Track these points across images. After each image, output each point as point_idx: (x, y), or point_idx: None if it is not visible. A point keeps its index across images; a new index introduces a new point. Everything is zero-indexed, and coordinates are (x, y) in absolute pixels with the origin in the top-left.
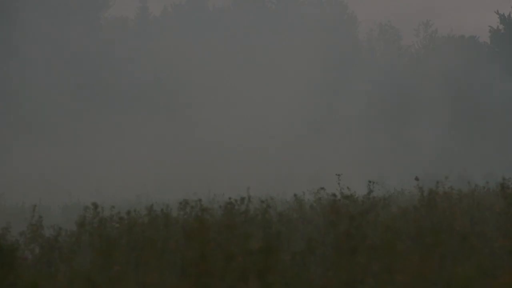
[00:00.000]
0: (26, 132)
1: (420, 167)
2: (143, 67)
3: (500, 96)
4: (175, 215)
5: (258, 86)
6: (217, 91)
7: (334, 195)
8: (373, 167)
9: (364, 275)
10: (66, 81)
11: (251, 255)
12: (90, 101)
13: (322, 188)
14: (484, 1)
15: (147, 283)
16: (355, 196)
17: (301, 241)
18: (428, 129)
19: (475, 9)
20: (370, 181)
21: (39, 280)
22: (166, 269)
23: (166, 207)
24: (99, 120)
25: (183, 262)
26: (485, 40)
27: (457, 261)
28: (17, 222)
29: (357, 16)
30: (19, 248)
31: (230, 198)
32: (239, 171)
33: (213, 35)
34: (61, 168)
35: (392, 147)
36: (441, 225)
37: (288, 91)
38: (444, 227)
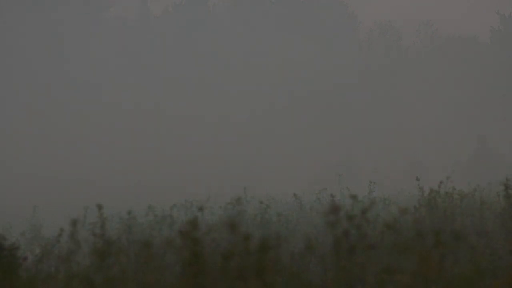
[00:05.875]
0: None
1: None
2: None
3: None
4: (176, 215)
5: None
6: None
7: (332, 195)
8: None
9: (364, 275)
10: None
11: (249, 254)
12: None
13: (324, 189)
14: (484, 1)
15: (145, 282)
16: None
17: (301, 241)
18: None
19: (475, 9)
20: (370, 181)
21: (39, 280)
22: (166, 269)
23: (170, 208)
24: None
25: (182, 262)
26: (485, 40)
27: (458, 261)
28: (18, 222)
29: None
30: (19, 248)
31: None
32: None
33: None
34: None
35: None
36: (442, 225)
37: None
38: (444, 227)
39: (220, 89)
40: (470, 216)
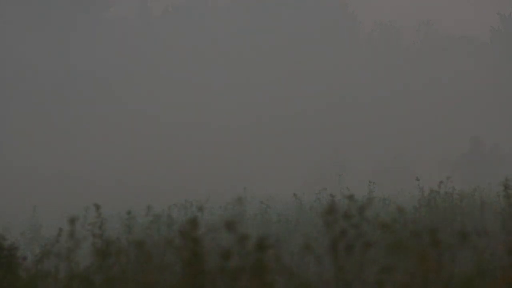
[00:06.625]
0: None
1: None
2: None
3: None
4: (175, 215)
5: None
6: None
7: (332, 195)
8: None
9: (362, 275)
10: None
11: (248, 254)
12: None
13: (324, 189)
14: (484, 1)
15: (145, 282)
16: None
17: (301, 241)
18: None
19: (476, 9)
20: (370, 181)
21: (39, 280)
22: (166, 269)
23: (168, 208)
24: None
25: (182, 262)
26: (485, 40)
27: (457, 261)
28: (18, 222)
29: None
30: (19, 248)
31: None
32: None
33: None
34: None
35: None
36: (441, 225)
37: None
38: (444, 227)
39: (219, 89)
40: (470, 216)
